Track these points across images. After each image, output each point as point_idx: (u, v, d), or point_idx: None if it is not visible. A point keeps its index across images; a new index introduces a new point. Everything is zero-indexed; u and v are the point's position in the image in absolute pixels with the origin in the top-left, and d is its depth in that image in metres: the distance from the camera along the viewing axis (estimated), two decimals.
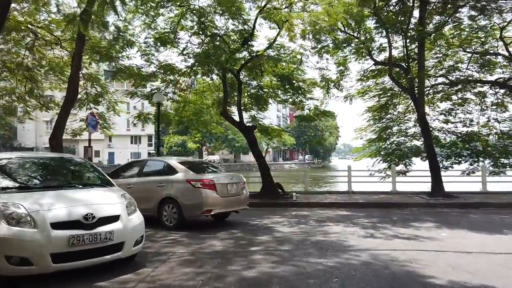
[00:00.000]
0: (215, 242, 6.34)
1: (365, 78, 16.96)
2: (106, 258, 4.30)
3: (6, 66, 13.75)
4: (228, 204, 7.96)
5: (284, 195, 12.71)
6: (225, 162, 67.76)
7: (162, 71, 14.66)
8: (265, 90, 15.81)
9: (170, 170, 8.10)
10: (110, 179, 5.36)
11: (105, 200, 4.67)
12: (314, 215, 9.59)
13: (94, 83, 16.19)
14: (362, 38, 14.24)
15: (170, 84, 15.37)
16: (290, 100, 16.07)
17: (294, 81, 14.30)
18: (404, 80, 14.62)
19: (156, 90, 14.56)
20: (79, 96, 15.99)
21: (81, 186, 5.01)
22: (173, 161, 8.49)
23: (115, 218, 4.49)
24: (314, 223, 8.28)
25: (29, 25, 13.88)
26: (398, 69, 15.07)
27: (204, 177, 7.78)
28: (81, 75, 16.05)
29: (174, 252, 5.65)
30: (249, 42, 13.40)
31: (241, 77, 14.41)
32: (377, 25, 13.49)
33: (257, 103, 15.94)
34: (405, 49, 14.14)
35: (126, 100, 18.39)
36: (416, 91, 13.63)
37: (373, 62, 15.44)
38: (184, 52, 14.05)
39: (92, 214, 4.27)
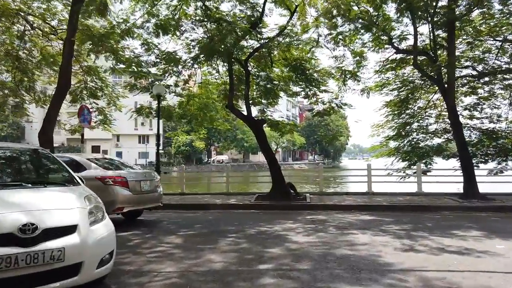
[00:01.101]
0: (214, 256, 5.04)
1: (384, 70, 15.51)
2: (53, 287, 3.03)
3: None
4: (141, 202, 7.81)
5: (296, 196, 11.38)
6: (234, 162, 66.57)
7: (163, 62, 13.50)
8: (275, 82, 14.53)
9: (78, 167, 7.36)
10: (77, 176, 4.09)
11: (58, 204, 3.40)
12: (333, 220, 8.24)
13: (94, 76, 15.09)
14: (382, 25, 12.85)
15: (173, 76, 14.15)
16: (302, 93, 14.73)
17: (307, 70, 12.98)
18: (430, 70, 13.16)
19: (156, 82, 13.34)
20: (74, 88, 14.94)
21: (29, 185, 3.73)
22: (81, 158, 7.81)
23: (69, 230, 3.22)
24: (335, 230, 6.93)
25: (20, 12, 12.81)
26: (422, 59, 13.64)
27: (116, 174, 7.50)
28: (79, 67, 15.03)
29: (159, 271, 4.37)
30: (258, 28, 12.09)
31: (249, 68, 13.15)
32: (400, 6, 12.05)
33: (267, 97, 14.70)
34: (431, 33, 12.72)
35: (127, 95, 17.29)
36: (445, 81, 12.19)
37: (395, 51, 13.99)
38: (188, 41, 12.86)
39: (33, 224, 3.00)
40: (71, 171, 4.16)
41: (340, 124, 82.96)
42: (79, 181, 4.03)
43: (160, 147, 49.64)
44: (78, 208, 3.41)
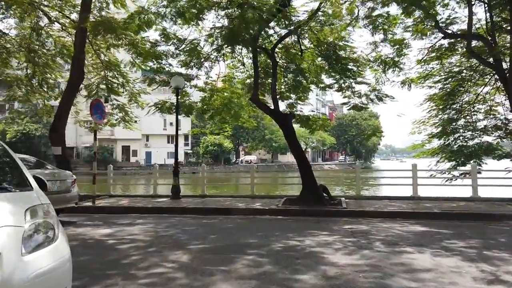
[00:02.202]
0: (226, 286, 3.77)
1: (428, 59, 13.77)
2: None
3: (6, 47, 11.99)
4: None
5: (330, 201, 9.96)
6: (262, 162, 65.39)
7: (185, 53, 12.46)
8: (305, 74, 13.17)
9: None
10: (30, 179, 2.93)
11: None
12: (377, 231, 6.80)
13: (114, 72, 14.27)
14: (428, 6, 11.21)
15: (194, 68, 13.06)
16: (336, 85, 13.24)
17: (342, 60, 11.52)
18: (487, 55, 11.38)
19: (176, 75, 12.29)
20: (89, 83, 14.16)
21: None
22: None
23: None
24: (383, 247, 5.50)
25: (34, 2, 12.08)
26: (473, 45, 11.88)
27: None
28: (99, 61, 14.24)
29: None
30: (286, 12, 10.75)
31: (276, 59, 11.89)
32: None
33: (295, 91, 13.39)
34: (487, 15, 11.00)
35: (148, 91, 16.44)
36: (507, 68, 10.42)
37: (442, 36, 12.29)
38: (210, 31, 11.74)
39: None
40: (26, 171, 3.02)
41: (372, 123, 80.00)
42: (34, 185, 2.87)
43: (189, 147, 49.08)
44: (6, 227, 2.23)
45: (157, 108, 13.01)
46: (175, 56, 12.52)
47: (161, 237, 6.35)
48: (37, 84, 12.74)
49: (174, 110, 13.40)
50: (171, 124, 61.58)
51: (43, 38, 12.37)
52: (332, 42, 11.19)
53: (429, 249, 5.30)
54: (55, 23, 12.85)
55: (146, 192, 14.27)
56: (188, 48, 12.46)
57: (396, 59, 12.45)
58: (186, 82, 13.21)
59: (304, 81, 13.36)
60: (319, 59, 12.65)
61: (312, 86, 14.10)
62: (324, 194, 10.01)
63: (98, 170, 11.70)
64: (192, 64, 12.87)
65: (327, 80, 13.75)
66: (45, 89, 13.22)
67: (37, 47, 12.31)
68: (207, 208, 9.77)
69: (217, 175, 35.47)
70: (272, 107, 11.44)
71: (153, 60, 12.63)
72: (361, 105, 12.51)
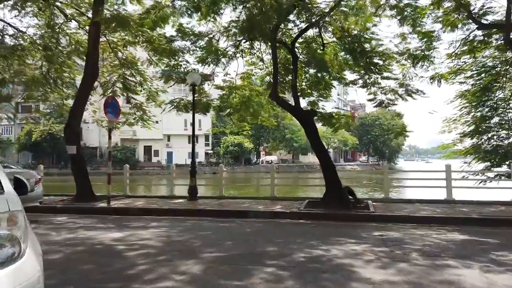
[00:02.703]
0: None
1: (460, 52, 12.85)
2: None
3: (22, 45, 11.83)
4: None
5: (356, 204, 9.27)
6: (283, 162, 64.64)
7: (202, 50, 12.06)
8: (327, 69, 12.53)
9: None
10: (3, 181, 2.44)
11: None
12: (412, 239, 6.10)
13: (132, 70, 13.99)
14: None
15: (212, 65, 12.61)
16: (360, 81, 12.52)
17: (367, 53, 10.81)
18: None
19: (191, 70, 11.87)
20: (103, 80, 13.92)
21: None
22: None
23: None
24: (421, 258, 4.83)
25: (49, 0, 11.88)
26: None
27: None
28: (116, 59, 13.98)
29: None
30: (307, 2, 10.14)
31: (297, 54, 11.30)
32: None
33: (317, 87, 12.77)
34: None
35: (166, 89, 16.13)
36: None
37: (476, 27, 11.38)
38: (227, 25, 11.29)
39: None
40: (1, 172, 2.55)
41: (396, 123, 77.95)
42: (6, 188, 2.39)
43: (209, 147, 48.84)
44: None
45: (174, 106, 12.62)
46: (191, 52, 12.15)
47: (174, 243, 5.86)
48: (52, 81, 12.51)
49: (191, 108, 13.02)
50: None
51: (58, 35, 12.14)
52: (357, 35, 10.48)
53: (476, 262, 4.60)
54: (72, 21, 12.66)
55: (164, 193, 13.90)
56: (205, 45, 12.09)
57: (426, 52, 11.65)
58: (202, 79, 12.79)
59: (326, 77, 12.77)
60: (342, 53, 12.00)
61: (335, 82, 13.44)
62: (350, 197, 9.33)
63: (114, 170, 11.42)
64: (210, 60, 12.45)
65: (351, 76, 13.05)
66: (61, 87, 13.00)
67: (52, 44, 12.10)
68: (224, 211, 9.26)
69: (237, 175, 35.06)
70: (293, 105, 10.86)
71: (170, 57, 12.30)
72: (388, 101, 11.74)
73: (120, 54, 13.79)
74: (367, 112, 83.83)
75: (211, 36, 11.67)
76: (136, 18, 11.53)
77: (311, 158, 68.25)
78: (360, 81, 12.45)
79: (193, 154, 11.56)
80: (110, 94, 12.55)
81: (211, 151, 62.75)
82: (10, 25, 11.94)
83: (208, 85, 13.46)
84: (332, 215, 8.46)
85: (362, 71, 11.84)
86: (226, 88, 13.62)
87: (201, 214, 9.12)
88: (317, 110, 11.99)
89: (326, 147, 60.40)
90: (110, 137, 10.55)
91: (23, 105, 39.87)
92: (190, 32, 11.63)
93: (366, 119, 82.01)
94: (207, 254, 5.11)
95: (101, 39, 13.35)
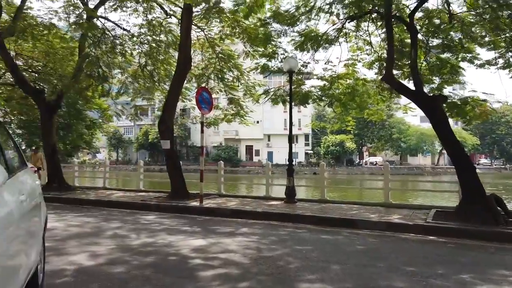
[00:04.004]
0: None
1: None
2: None
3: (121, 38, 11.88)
4: None
5: (508, 219, 6.85)
6: (389, 164, 59.67)
7: (301, 36, 10.76)
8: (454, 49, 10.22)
9: None
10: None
11: None
12: None
13: (229, 64, 13.36)
14: None
15: (311, 50, 11.18)
16: (500, 60, 9.85)
17: None
18: None
19: (289, 56, 10.56)
20: (201, 72, 13.43)
21: None
22: None
23: None
24: None
25: None
26: None
27: None
28: (213, 54, 13.48)
29: None
30: None
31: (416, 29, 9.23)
32: None
33: (440, 72, 10.52)
34: None
35: (264, 83, 15.20)
36: None
37: None
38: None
39: None
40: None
41: None
42: None
43: (309, 147, 47.44)
44: None
45: (269, 97, 11.47)
46: (288, 36, 10.89)
47: (262, 261, 4.55)
48: (151, 76, 12.39)
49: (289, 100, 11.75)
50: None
51: (155, 29, 11.95)
52: None
53: None
54: (172, 17, 12.44)
55: (260, 193, 12.87)
56: (303, 29, 10.76)
57: None
58: (301, 68, 11.42)
59: (453, 58, 10.41)
60: (476, 26, 9.54)
61: (464, 64, 10.87)
62: (499, 208, 6.95)
63: (210, 167, 10.77)
64: (308, 46, 11.02)
65: (486, 55, 10.35)
66: (161, 83, 12.86)
67: (149, 38, 11.96)
68: (326, 218, 7.70)
69: (339, 177, 32.88)
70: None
71: (265, 43, 11.21)
72: None
73: (217, 48, 13.23)
74: (492, 108, 72.80)
75: (311, 16, 10.25)
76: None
77: (421, 161, 61.81)
78: (500, 60, 9.79)
79: (290, 151, 10.22)
80: (204, 85, 11.95)
81: (311, 151, 61.06)
82: (109, 20, 12.12)
83: (308, 74, 12.03)
84: (473, 232, 6.29)
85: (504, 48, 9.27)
86: (328, 77, 12.05)
87: (299, 220, 7.73)
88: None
89: (440, 148, 53.39)
90: (202, 131, 9.79)
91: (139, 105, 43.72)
92: (287, 15, 10.37)
93: (492, 118, 71.26)
94: (305, 285, 3.67)
95: (198, 34, 13.00)
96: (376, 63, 11.85)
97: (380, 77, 11.78)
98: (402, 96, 12.40)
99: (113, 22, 12.44)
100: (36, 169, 12.12)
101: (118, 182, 23.39)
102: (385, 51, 11.23)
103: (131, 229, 6.49)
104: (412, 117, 57.04)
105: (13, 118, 22.26)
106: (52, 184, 12.38)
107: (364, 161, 61.70)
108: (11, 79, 13.92)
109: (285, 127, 61.07)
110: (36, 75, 14.69)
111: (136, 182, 13.00)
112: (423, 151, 60.73)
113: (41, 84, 14.31)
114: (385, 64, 9.99)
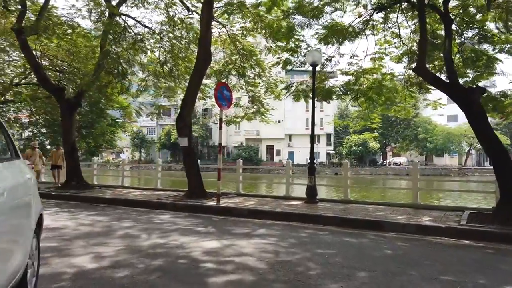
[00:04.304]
0: None
1: None
2: None
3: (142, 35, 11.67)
4: None
5: None
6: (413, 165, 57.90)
7: (325, 30, 10.31)
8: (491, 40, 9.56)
9: None
10: None
11: None
12: None
13: (250, 60, 13.02)
14: None
15: (336, 43, 10.71)
16: None
17: None
18: None
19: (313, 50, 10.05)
20: (218, 66, 13.12)
21: None
22: None
23: None
24: None
25: None
26: None
27: None
28: (232, 48, 13.15)
29: None
30: None
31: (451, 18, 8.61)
32: None
33: (474, 64, 9.88)
34: None
35: (286, 79, 14.74)
36: None
37: None
38: None
39: None
40: None
41: None
42: None
43: (331, 147, 46.45)
44: None
45: (290, 92, 11.02)
46: (311, 29, 10.43)
47: (280, 266, 4.13)
48: (168, 71, 12.13)
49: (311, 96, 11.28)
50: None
51: (177, 26, 11.70)
52: None
53: None
54: (193, 13, 12.19)
55: (279, 192, 12.44)
56: (328, 22, 10.30)
57: None
58: (325, 61, 10.93)
59: (489, 50, 9.75)
60: None
61: (502, 56, 10.15)
62: None
63: (226, 165, 10.41)
64: (333, 39, 10.55)
65: None
66: (176, 78, 12.60)
67: (171, 35, 11.72)
68: (350, 219, 7.20)
69: (362, 177, 32.09)
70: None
71: (288, 37, 10.79)
72: None
73: (238, 44, 12.91)
74: None
75: (336, 6, 9.75)
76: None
77: (447, 161, 59.67)
78: None
79: (312, 148, 9.72)
80: (224, 81, 11.62)
81: (333, 152, 60.01)
82: (130, 17, 11.94)
83: (331, 72, 11.52)
84: None
85: None
86: (353, 72, 11.52)
87: (321, 221, 7.26)
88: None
89: (469, 148, 51.21)
90: (220, 127, 9.44)
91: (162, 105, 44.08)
92: (311, 7, 9.92)
93: None
94: None
95: (220, 30, 12.69)
96: (405, 57, 11.28)
97: (409, 71, 11.20)
98: (432, 92, 11.80)
99: (134, 19, 12.32)
100: (33, 165, 12.08)
101: (139, 180, 23.45)
102: (415, 44, 10.68)
103: (143, 229, 6.19)
104: (438, 116, 55.19)
105: (38, 118, 22.63)
106: (70, 182, 12.34)
107: (387, 161, 60.15)
108: (36, 79, 13.98)
109: (306, 126, 60.28)
110: (61, 74, 14.75)
111: (154, 180, 12.81)
112: (450, 151, 58.62)
113: (66, 83, 14.34)
114: (416, 57, 9.41)
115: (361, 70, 11.39)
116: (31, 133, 24.67)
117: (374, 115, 13.39)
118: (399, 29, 10.77)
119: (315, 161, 9.66)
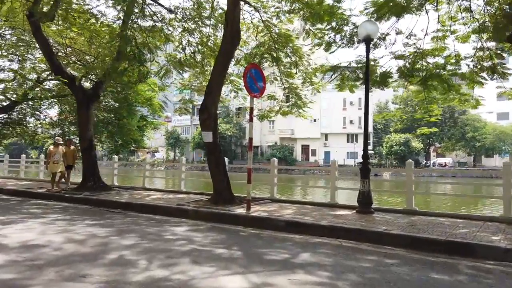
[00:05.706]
0: None
1: None
2: None
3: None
4: None
5: None
6: (460, 165, 53.82)
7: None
8: None
9: None
10: None
11: None
12: None
13: (286, 48, 11.41)
14: None
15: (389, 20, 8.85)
16: None
17: None
18: None
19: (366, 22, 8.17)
20: (246, 50, 11.48)
21: None
22: None
23: None
24: None
25: None
26: None
27: None
28: (264, 34, 11.50)
29: None
30: None
31: None
32: None
33: None
34: None
35: (324, 66, 12.90)
36: None
37: None
38: None
39: None
40: None
41: None
42: None
43: (370, 147, 43.63)
44: None
45: (336, 75, 9.18)
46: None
47: None
48: (191, 55, 10.61)
49: (361, 83, 9.38)
50: (351, 122, 57.20)
51: (203, 5, 10.18)
52: None
53: None
54: None
55: (321, 198, 10.58)
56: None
57: None
58: (378, 40, 9.01)
59: None
60: None
61: None
62: None
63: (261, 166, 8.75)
64: (387, 15, 8.72)
65: None
66: (199, 63, 11.04)
67: (194, 13, 10.19)
68: (425, 240, 5.29)
69: (422, 180, 29.25)
70: None
71: (331, 14, 9.00)
72: None
73: (273, 29, 11.27)
74: None
75: None
76: None
77: (498, 161, 54.86)
78: None
79: (365, 145, 7.78)
80: (256, 62, 9.95)
81: (372, 151, 56.91)
82: None
83: (386, 49, 9.57)
84: None
85: None
86: (410, 55, 9.59)
87: (384, 240, 5.41)
88: None
89: None
90: (251, 119, 7.74)
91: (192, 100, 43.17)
92: None
93: None
94: None
95: (253, 15, 11.09)
96: (475, 36, 9.25)
97: (479, 52, 9.16)
98: (509, 78, 9.67)
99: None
100: (53, 165, 10.62)
101: (166, 182, 22.28)
102: (487, 18, 8.66)
103: (145, 250, 4.62)
104: (487, 114, 50.83)
105: (68, 116, 22.04)
106: (87, 183, 11.12)
107: (432, 162, 56.29)
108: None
109: (343, 125, 57.59)
110: (81, 65, 13.67)
111: (178, 182, 11.36)
112: (501, 151, 54.00)
113: (84, 74, 13.22)
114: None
115: (419, 51, 9.43)
116: (61, 131, 24.23)
117: (434, 106, 11.25)
118: (470, 1, 8.78)
119: (368, 161, 7.70)
